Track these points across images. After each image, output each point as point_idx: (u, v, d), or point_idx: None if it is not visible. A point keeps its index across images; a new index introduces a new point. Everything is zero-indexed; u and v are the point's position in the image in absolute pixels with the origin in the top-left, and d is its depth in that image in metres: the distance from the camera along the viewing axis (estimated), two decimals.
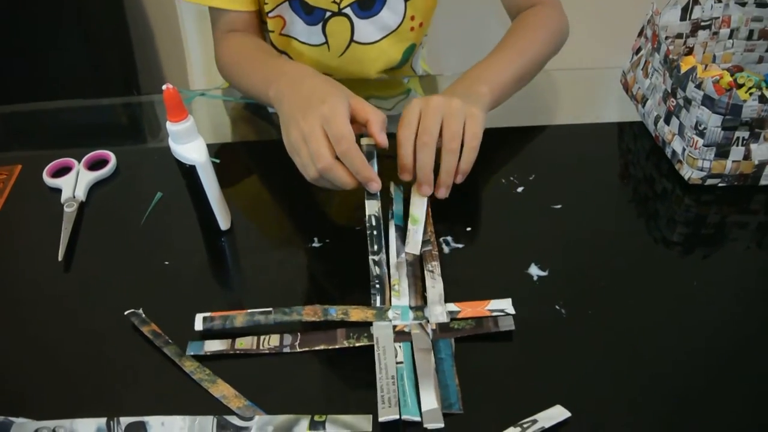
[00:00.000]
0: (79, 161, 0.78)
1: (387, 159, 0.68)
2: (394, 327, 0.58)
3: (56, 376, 0.57)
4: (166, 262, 0.66)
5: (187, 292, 0.63)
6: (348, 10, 0.89)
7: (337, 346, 0.57)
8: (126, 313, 0.60)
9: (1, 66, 1.47)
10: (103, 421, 0.52)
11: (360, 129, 0.65)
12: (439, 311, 0.59)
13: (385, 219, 0.67)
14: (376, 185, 0.63)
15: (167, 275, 0.65)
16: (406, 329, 0.58)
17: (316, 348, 0.57)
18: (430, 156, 0.65)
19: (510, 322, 0.58)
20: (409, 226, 0.66)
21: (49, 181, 0.76)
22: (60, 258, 0.66)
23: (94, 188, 0.76)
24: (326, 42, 0.92)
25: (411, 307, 0.60)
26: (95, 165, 0.78)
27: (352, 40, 0.92)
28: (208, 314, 0.59)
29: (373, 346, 0.57)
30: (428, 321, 0.59)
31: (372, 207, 0.64)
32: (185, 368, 0.56)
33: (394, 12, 0.91)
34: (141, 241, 0.69)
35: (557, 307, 0.60)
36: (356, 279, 0.62)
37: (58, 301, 0.63)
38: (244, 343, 0.57)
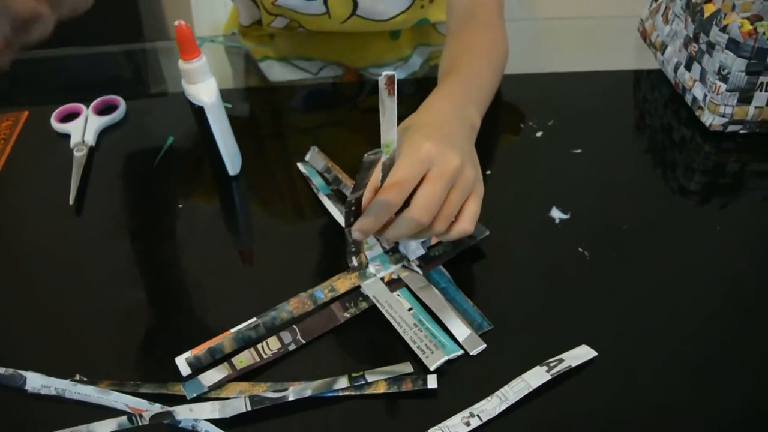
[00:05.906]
0: (88, 106, 0.76)
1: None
2: (382, 279, 0.56)
3: (67, 324, 0.56)
4: (180, 206, 0.65)
5: (200, 236, 0.62)
6: None
7: (340, 322, 0.54)
8: None
9: None
10: (124, 418, 0.47)
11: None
12: (413, 246, 0.58)
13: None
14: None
15: (180, 218, 0.64)
16: (395, 276, 0.57)
17: (321, 333, 0.53)
18: (408, 233, 0.52)
19: (483, 228, 0.59)
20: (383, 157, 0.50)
21: (58, 127, 0.74)
22: (71, 202, 0.65)
23: (104, 133, 0.74)
24: (327, 12, 0.87)
25: (386, 252, 0.58)
26: (104, 110, 0.76)
27: (353, 14, 0.88)
28: (188, 354, 0.51)
29: (373, 307, 0.54)
30: (409, 260, 0.58)
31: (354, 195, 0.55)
32: (178, 392, 0.49)
33: None
34: (153, 184, 0.68)
35: (580, 249, 0.59)
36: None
37: (69, 245, 0.62)
38: (244, 360, 0.52)
